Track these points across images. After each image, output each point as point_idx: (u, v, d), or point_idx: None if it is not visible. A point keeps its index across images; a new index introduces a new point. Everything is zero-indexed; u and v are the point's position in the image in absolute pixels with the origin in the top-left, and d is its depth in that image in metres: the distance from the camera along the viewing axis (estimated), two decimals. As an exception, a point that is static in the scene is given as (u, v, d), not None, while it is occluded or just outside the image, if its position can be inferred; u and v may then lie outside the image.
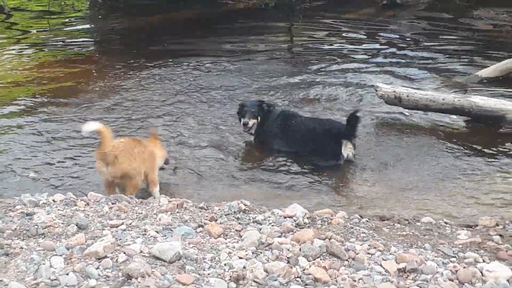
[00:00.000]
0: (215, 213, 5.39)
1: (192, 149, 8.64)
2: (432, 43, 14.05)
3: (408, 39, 14.63)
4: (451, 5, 17.72)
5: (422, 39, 14.52)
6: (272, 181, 7.79)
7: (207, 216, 5.28)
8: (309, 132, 8.51)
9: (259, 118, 8.83)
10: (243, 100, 9.56)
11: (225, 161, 8.37)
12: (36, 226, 4.77)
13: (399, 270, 4.39)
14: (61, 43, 15.31)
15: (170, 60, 13.20)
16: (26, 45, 15.00)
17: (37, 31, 16.61)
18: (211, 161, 8.35)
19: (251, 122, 8.77)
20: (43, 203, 5.59)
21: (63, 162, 8.18)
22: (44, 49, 14.59)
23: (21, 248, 4.37)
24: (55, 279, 3.84)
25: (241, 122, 8.82)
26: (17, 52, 14.27)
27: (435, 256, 4.70)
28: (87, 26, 17.99)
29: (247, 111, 8.79)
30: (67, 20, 18.33)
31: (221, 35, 15.58)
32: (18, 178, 7.69)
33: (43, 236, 4.66)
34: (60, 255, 4.20)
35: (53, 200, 5.71)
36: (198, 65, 12.79)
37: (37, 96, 10.90)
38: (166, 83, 11.64)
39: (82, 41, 15.81)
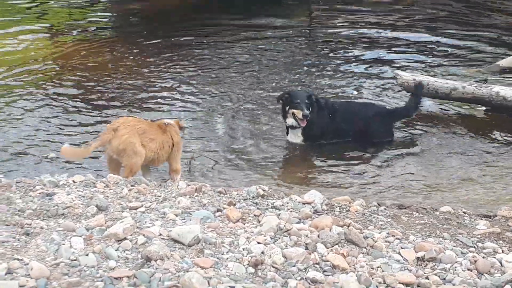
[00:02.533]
0: (234, 198, 5.39)
1: (209, 136, 8.64)
2: (454, 30, 13.88)
3: (429, 26, 14.47)
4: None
5: (443, 26, 14.35)
6: (290, 168, 7.80)
7: (225, 201, 5.29)
8: (362, 117, 8.56)
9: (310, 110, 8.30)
10: (290, 90, 9.05)
11: (242, 148, 8.37)
12: (56, 207, 4.80)
13: (417, 258, 4.38)
14: (81, 26, 15.31)
15: (186, 45, 13.16)
16: (45, 28, 15.02)
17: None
18: (228, 148, 8.36)
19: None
20: (63, 184, 5.62)
21: (82, 143, 8.21)
22: (64, 32, 14.60)
23: (42, 228, 4.40)
24: (75, 260, 3.86)
25: (301, 114, 8.10)
26: (37, 35, 14.28)
27: (454, 246, 4.68)
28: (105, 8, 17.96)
29: (301, 102, 8.17)
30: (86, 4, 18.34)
31: (239, 18, 15.50)
32: (38, 159, 7.75)
33: (63, 217, 4.69)
34: (80, 236, 4.22)
35: (73, 181, 5.73)
36: (215, 51, 12.74)
37: (56, 79, 10.93)
38: (182, 69, 11.61)
39: (102, 22, 15.83)
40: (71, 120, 9.06)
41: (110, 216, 4.68)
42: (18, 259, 3.77)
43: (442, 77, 10.13)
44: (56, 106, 9.57)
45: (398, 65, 11.50)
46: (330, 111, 8.56)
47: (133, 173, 6.68)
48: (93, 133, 8.49)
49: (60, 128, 8.78)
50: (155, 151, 6.89)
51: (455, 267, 4.25)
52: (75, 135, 8.57)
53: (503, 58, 11.33)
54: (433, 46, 12.89)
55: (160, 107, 9.66)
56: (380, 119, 8.58)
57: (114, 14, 17.02)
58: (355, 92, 10.31)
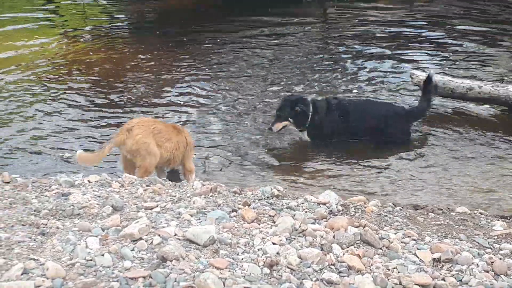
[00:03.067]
0: (248, 198, 5.38)
1: (223, 136, 8.64)
2: (470, 29, 13.83)
3: (445, 24, 14.42)
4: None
5: (460, 25, 14.30)
6: (304, 168, 7.78)
7: (240, 201, 5.28)
8: (380, 117, 8.56)
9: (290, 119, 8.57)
10: (282, 98, 9.19)
11: (256, 148, 8.36)
12: (72, 207, 4.81)
13: (433, 260, 4.35)
14: (98, 26, 15.38)
15: (202, 45, 13.20)
16: (62, 28, 15.11)
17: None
18: (242, 148, 8.36)
19: (277, 126, 8.55)
20: (79, 183, 5.63)
21: (99, 143, 8.26)
22: (82, 33, 14.67)
23: (57, 228, 4.41)
24: (91, 260, 3.86)
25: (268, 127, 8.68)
26: (52, 29, 14.37)
27: (470, 247, 4.65)
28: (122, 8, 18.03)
29: (277, 112, 8.63)
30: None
31: (255, 20, 15.50)
32: (54, 158, 7.79)
33: (79, 217, 4.70)
34: (96, 236, 4.22)
35: (88, 181, 5.75)
36: (230, 49, 12.79)
37: (71, 78, 11.00)
38: (197, 68, 11.66)
39: (118, 24, 15.89)
40: (87, 120, 9.11)
41: (125, 216, 4.68)
42: (34, 259, 3.78)
43: (458, 77, 10.07)
44: (72, 106, 9.64)
45: (413, 64, 11.46)
46: (343, 111, 8.59)
47: (147, 173, 6.70)
48: (109, 132, 8.54)
49: (76, 128, 8.83)
50: (171, 151, 6.90)
51: (472, 269, 4.21)
52: (91, 135, 8.61)
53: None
54: (450, 44, 12.86)
55: (175, 107, 9.67)
56: (399, 119, 8.56)
57: (130, 12, 17.06)
58: (355, 90, 10.30)
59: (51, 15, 16.67)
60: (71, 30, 14.85)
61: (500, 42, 12.73)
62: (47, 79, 10.85)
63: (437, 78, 9.36)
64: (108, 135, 8.44)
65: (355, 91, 10.34)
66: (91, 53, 12.53)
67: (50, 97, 9.99)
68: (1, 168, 7.38)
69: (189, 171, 7.22)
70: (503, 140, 8.42)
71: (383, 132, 8.51)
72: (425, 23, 14.76)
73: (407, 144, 8.44)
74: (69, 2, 18.27)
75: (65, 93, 10.18)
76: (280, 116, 8.56)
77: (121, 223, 4.52)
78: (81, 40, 13.71)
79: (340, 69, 11.43)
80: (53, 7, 17.79)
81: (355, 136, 8.58)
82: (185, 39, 13.58)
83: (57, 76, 11.02)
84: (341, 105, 8.66)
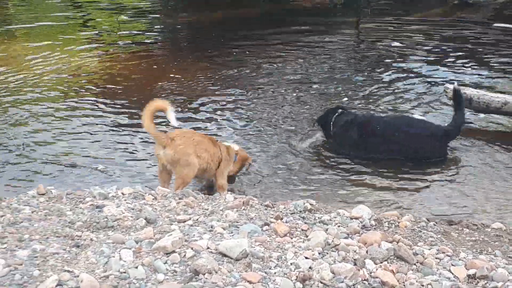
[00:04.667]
0: (281, 212, 5.37)
1: (256, 149, 8.65)
2: (502, 46, 13.69)
3: (478, 40, 14.31)
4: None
5: (492, 41, 14.17)
6: (336, 182, 7.74)
7: (272, 215, 5.27)
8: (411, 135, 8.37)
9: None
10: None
11: (287, 163, 8.34)
12: (105, 219, 4.85)
13: (468, 276, 4.30)
14: (130, 36, 15.56)
15: (232, 58, 13.27)
16: (96, 40, 15.32)
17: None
18: (274, 161, 8.36)
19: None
20: (112, 196, 5.68)
21: (131, 155, 8.34)
22: (112, 43, 14.85)
23: (91, 240, 4.45)
24: (124, 272, 3.89)
25: None
26: (87, 44, 14.58)
27: (506, 264, 4.58)
28: (153, 21, 18.21)
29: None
30: (135, 14, 18.60)
31: (287, 32, 15.55)
32: (88, 170, 7.87)
33: (112, 229, 4.74)
34: (129, 248, 4.25)
35: (122, 193, 5.80)
36: (260, 63, 12.81)
37: (105, 91, 11.12)
38: (228, 81, 11.71)
39: (151, 34, 16.05)
40: (120, 133, 9.16)
41: (158, 229, 4.71)
42: (68, 271, 3.82)
43: (493, 91, 9.97)
44: (106, 118, 9.71)
45: (447, 79, 11.37)
46: (360, 125, 8.55)
47: (185, 184, 6.78)
48: (141, 143, 8.65)
49: (110, 140, 8.89)
50: (207, 162, 6.99)
51: (507, 286, 4.14)
52: (124, 147, 8.67)
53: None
54: (484, 58, 12.71)
55: (206, 121, 9.70)
56: (436, 139, 8.34)
57: (163, 25, 17.24)
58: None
59: (84, 28, 16.91)
60: (103, 41, 15.03)
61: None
62: (79, 94, 10.96)
63: (472, 91, 9.29)
64: (141, 145, 8.57)
65: (386, 105, 10.26)
66: (122, 68, 12.65)
67: (83, 109, 10.10)
68: (36, 180, 7.49)
69: (221, 187, 7.25)
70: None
71: (418, 152, 8.34)
72: (459, 37, 14.64)
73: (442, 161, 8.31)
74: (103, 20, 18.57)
75: (96, 106, 10.28)
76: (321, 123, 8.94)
77: (154, 235, 4.55)
78: (114, 52, 13.85)
79: (370, 85, 11.36)
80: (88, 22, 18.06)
81: (385, 154, 8.41)
82: (219, 55, 13.64)
83: (88, 92, 11.13)
84: (358, 119, 8.64)
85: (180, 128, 7.67)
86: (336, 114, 8.76)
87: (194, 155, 6.80)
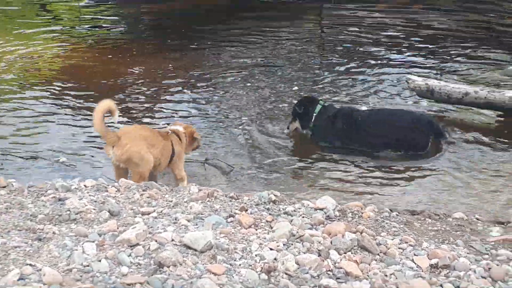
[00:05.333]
0: (245, 203, 5.36)
1: (222, 140, 8.63)
2: (467, 34, 13.84)
3: (442, 29, 14.43)
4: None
5: (457, 29, 14.31)
6: (302, 173, 7.78)
7: (237, 206, 5.26)
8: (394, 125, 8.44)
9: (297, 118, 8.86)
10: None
11: (254, 153, 8.35)
12: (68, 212, 4.79)
13: (431, 266, 4.34)
14: (90, 29, 15.36)
15: (194, 48, 13.21)
16: (56, 30, 15.10)
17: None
18: (240, 151, 8.36)
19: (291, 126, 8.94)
20: (75, 188, 5.61)
21: (94, 147, 8.26)
22: (74, 34, 14.65)
23: (54, 233, 4.39)
24: (88, 265, 3.85)
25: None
26: (47, 36, 14.35)
27: (467, 253, 4.65)
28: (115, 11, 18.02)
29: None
30: (97, 4, 18.37)
31: (249, 19, 15.52)
32: (49, 163, 7.78)
33: (75, 222, 4.68)
34: (93, 242, 4.21)
35: (85, 186, 5.73)
36: (222, 52, 12.77)
37: (66, 83, 10.96)
38: (192, 72, 11.66)
39: (111, 25, 15.87)
40: (82, 125, 9.07)
41: (122, 222, 4.67)
42: (30, 265, 3.77)
43: (454, 82, 10.08)
44: (67, 111, 9.60)
45: (409, 69, 11.46)
46: (335, 116, 8.62)
47: (142, 179, 6.67)
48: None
49: (71, 133, 8.80)
50: (157, 157, 6.91)
51: (469, 275, 4.20)
52: (86, 139, 8.58)
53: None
54: (446, 49, 12.83)
55: (171, 114, 9.64)
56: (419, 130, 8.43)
57: (124, 17, 17.06)
58: (352, 96, 10.34)
59: (45, 17, 16.63)
60: (65, 33, 14.80)
61: (496, 49, 12.72)
62: (39, 83, 10.82)
63: (434, 82, 9.38)
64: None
65: (354, 96, 10.31)
66: (83, 58, 12.50)
67: (42, 102, 9.96)
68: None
69: (180, 179, 7.22)
70: (497, 144, 8.41)
71: (401, 143, 8.39)
72: (422, 28, 14.73)
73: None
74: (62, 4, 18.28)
75: (57, 97, 10.15)
76: (292, 116, 8.91)
77: (118, 228, 4.51)
78: (76, 44, 13.67)
79: (337, 75, 11.40)
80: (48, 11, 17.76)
81: (367, 146, 8.48)
82: (179, 42, 13.55)
83: (48, 81, 10.98)
84: (348, 113, 8.66)
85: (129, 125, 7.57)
86: (320, 106, 8.75)
87: (146, 149, 6.73)
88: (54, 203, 5.08)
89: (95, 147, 8.28)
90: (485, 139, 8.59)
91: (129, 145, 6.63)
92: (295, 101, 9.11)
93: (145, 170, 6.75)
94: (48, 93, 10.35)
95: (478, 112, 9.36)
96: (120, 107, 9.51)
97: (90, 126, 8.89)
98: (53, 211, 4.82)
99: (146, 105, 9.93)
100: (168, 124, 8.35)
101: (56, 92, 10.40)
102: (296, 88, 10.69)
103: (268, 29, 14.74)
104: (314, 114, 8.66)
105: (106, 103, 6.58)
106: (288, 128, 8.93)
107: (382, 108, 9.53)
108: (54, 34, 14.47)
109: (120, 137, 6.62)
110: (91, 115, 9.22)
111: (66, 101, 9.97)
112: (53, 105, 9.79)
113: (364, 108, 9.25)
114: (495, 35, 13.84)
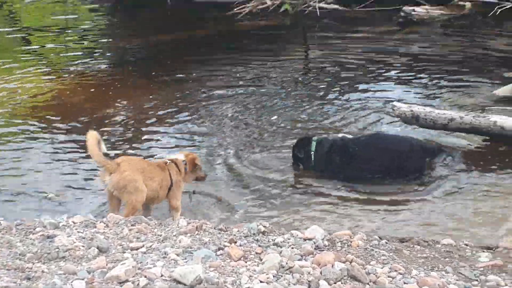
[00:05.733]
0: (235, 235, 5.37)
1: (208, 171, 8.62)
2: (448, 61, 13.97)
3: (423, 57, 14.56)
4: (467, 22, 17.68)
5: (438, 57, 14.43)
6: (290, 202, 7.78)
7: (226, 238, 5.27)
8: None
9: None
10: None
11: (240, 183, 8.36)
12: (57, 249, 4.78)
13: (421, 293, 4.36)
14: (76, 59, 15.39)
15: (178, 79, 13.23)
16: (40, 61, 15.11)
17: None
18: (227, 182, 8.36)
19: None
20: (63, 225, 5.60)
21: (82, 183, 8.25)
22: (58, 65, 14.66)
23: (43, 271, 4.37)
24: (77, 304, 3.84)
25: None
26: (32, 68, 14.36)
27: (456, 280, 4.66)
28: (101, 42, 18.08)
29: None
30: (81, 36, 18.43)
31: (236, 52, 15.60)
32: (37, 199, 7.75)
33: (64, 259, 4.67)
34: (82, 279, 4.19)
35: (73, 222, 5.72)
36: (208, 86, 12.77)
37: (53, 116, 10.95)
38: (176, 103, 11.65)
39: (96, 58, 15.91)
40: (70, 159, 9.07)
41: (111, 258, 4.65)
42: (20, 305, 3.76)
43: (439, 108, 10.16)
44: (52, 145, 9.58)
45: (395, 96, 11.53)
46: (330, 150, 8.65)
47: (134, 210, 6.70)
48: (89, 169, 8.56)
49: (56, 167, 8.78)
50: (154, 190, 6.92)
51: (459, 302, 4.23)
52: (74, 173, 8.57)
53: (499, 87, 11.37)
54: (430, 75, 12.93)
55: (155, 146, 9.64)
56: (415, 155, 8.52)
57: (111, 50, 17.12)
58: (338, 123, 10.35)
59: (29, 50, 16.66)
60: (51, 67, 14.80)
61: (479, 75, 12.83)
62: (24, 117, 10.81)
63: (419, 109, 9.44)
64: (90, 172, 8.48)
65: (338, 124, 10.36)
66: (68, 92, 12.49)
67: (27, 137, 9.94)
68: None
69: (175, 209, 7.23)
70: (484, 169, 8.46)
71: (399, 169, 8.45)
72: (406, 55, 14.87)
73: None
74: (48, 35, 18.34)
75: (42, 132, 10.14)
76: (294, 161, 8.89)
77: (107, 265, 4.49)
78: (62, 77, 13.67)
79: (321, 102, 11.45)
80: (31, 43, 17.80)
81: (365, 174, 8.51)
82: (166, 78, 13.57)
83: (33, 115, 10.98)
84: (342, 145, 8.72)
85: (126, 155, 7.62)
86: (314, 143, 8.76)
87: (141, 181, 6.75)
88: (43, 240, 5.07)
89: (83, 182, 8.26)
90: (472, 163, 8.63)
91: (127, 172, 6.66)
92: (293, 145, 8.98)
93: (138, 200, 6.76)
94: (33, 127, 10.33)
95: (465, 137, 9.41)
96: (105, 140, 9.62)
97: (75, 160, 8.96)
98: (42, 249, 4.81)
99: (130, 137, 9.93)
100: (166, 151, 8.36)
101: (41, 126, 10.38)
102: (275, 117, 10.72)
103: (252, 57, 14.83)
104: (312, 153, 8.67)
105: (94, 133, 6.64)
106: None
107: (374, 134, 9.56)
108: (38, 67, 14.45)
109: (119, 164, 6.66)
110: (77, 149, 9.35)
111: (51, 136, 9.95)
112: (38, 140, 9.77)
113: (350, 137, 9.24)
114: (479, 60, 13.98)
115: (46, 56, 16.06)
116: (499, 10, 16.30)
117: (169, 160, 7.35)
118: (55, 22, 20.17)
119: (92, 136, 6.58)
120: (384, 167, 8.44)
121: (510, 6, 16.30)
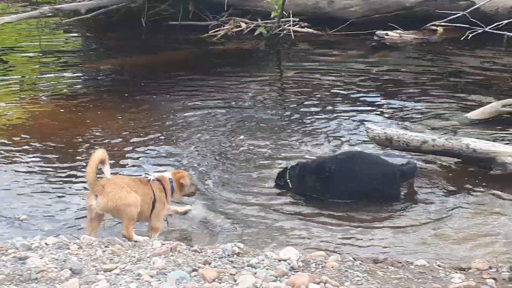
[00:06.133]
0: (209, 256, 5.37)
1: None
2: (420, 85, 14.14)
3: (396, 80, 14.72)
4: (439, 47, 17.95)
5: (410, 81, 14.61)
6: (264, 223, 7.77)
7: (200, 260, 5.26)
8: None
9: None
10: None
11: (213, 203, 8.34)
12: (29, 271, 4.73)
13: (394, 315, 4.38)
14: (50, 80, 15.30)
15: (152, 105, 13.19)
16: (17, 83, 15.01)
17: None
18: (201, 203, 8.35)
19: None
20: (36, 246, 5.55)
21: (54, 204, 8.17)
22: (29, 88, 14.57)
23: (15, 293, 4.34)
24: (50, 326, 3.81)
25: None
26: (7, 89, 14.27)
27: (430, 301, 4.70)
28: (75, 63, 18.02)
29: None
30: (57, 59, 18.34)
31: (210, 74, 15.64)
32: (9, 221, 7.66)
33: (36, 281, 4.63)
34: (54, 301, 4.17)
35: (46, 243, 5.67)
36: (183, 106, 12.78)
37: (27, 137, 10.85)
38: (151, 127, 11.60)
39: (74, 80, 15.84)
40: (44, 180, 8.98)
41: (84, 280, 4.63)
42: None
43: (412, 130, 10.26)
44: (23, 167, 9.47)
45: (368, 118, 11.63)
46: (302, 174, 8.67)
47: (132, 221, 6.72)
48: (64, 190, 8.50)
49: (31, 189, 8.69)
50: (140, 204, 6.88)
51: (432, 323, 4.25)
52: (47, 193, 8.50)
53: (471, 110, 11.54)
54: (403, 98, 13.06)
55: (134, 168, 9.60)
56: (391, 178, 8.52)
57: (86, 71, 17.05)
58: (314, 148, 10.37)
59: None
60: (20, 87, 14.70)
61: (451, 98, 13.00)
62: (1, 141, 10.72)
63: (392, 131, 9.53)
64: (64, 193, 8.42)
65: (310, 144, 10.39)
66: (41, 112, 12.39)
67: (3, 159, 9.85)
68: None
69: (154, 229, 7.14)
70: (456, 190, 8.55)
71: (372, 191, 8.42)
72: (378, 79, 15.02)
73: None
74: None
75: (12, 154, 10.00)
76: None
77: (80, 286, 4.47)
78: (35, 98, 13.59)
79: (294, 127, 11.48)
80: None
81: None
82: (140, 99, 13.53)
83: (5, 135, 10.89)
84: (312, 168, 8.73)
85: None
86: (288, 170, 8.77)
87: (127, 195, 6.70)
88: (15, 262, 5.02)
89: (56, 204, 8.19)
90: (445, 185, 8.72)
91: (113, 192, 6.63)
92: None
93: (133, 212, 6.72)
94: (8, 148, 10.22)
95: (438, 159, 9.52)
96: (78, 161, 9.59)
97: (48, 182, 8.88)
98: (14, 271, 4.76)
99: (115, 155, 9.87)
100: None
101: (12, 149, 10.26)
102: (242, 137, 10.77)
103: (226, 78, 14.90)
104: (288, 181, 8.70)
105: (99, 152, 6.70)
106: None
107: (351, 153, 9.56)
108: (12, 88, 14.35)
109: (103, 186, 6.64)
110: (49, 171, 9.28)
111: (22, 158, 9.81)
112: (8, 163, 9.66)
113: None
114: (451, 84, 14.18)
115: (20, 76, 15.93)
116: (470, 35, 16.57)
117: (154, 178, 7.30)
118: (30, 42, 20.07)
119: (95, 156, 6.64)
120: (360, 188, 8.45)
121: (481, 31, 16.58)
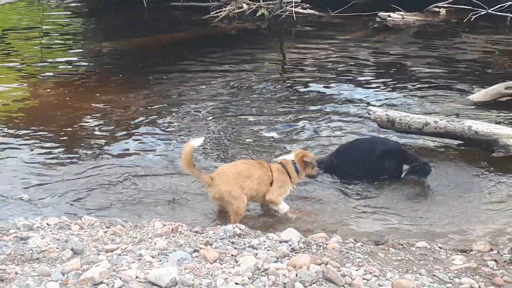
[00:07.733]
0: (210, 237, 5.37)
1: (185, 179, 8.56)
2: (423, 67, 14.11)
3: (399, 62, 14.68)
4: (442, 29, 17.89)
5: (412, 63, 14.57)
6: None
7: (202, 241, 5.26)
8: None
9: None
10: None
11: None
12: (30, 251, 4.74)
13: (395, 296, 4.39)
14: (51, 62, 15.27)
15: (154, 84, 13.16)
16: (19, 66, 14.98)
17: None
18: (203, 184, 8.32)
19: None
20: (37, 227, 5.56)
21: (57, 183, 8.16)
22: (33, 71, 14.53)
23: (16, 273, 4.34)
24: (51, 305, 3.82)
25: None
26: (9, 72, 14.23)
27: (431, 282, 4.71)
28: (77, 44, 17.96)
29: None
30: (58, 41, 18.28)
31: (212, 55, 15.60)
32: (11, 201, 7.66)
33: (38, 261, 4.63)
34: (56, 281, 4.17)
35: (47, 224, 5.68)
36: (183, 89, 12.74)
37: (31, 119, 10.85)
38: (153, 107, 11.58)
39: (75, 61, 15.79)
40: (47, 162, 8.95)
41: (85, 260, 4.63)
42: (-8, 307, 3.72)
43: (414, 112, 10.23)
44: (28, 148, 9.46)
45: (370, 100, 11.61)
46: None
47: (238, 216, 6.88)
48: (68, 172, 8.49)
49: (36, 169, 8.68)
50: (252, 188, 7.03)
51: (433, 304, 4.26)
52: (50, 177, 8.48)
53: (474, 92, 11.52)
54: (405, 81, 13.03)
55: (138, 150, 9.56)
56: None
57: (87, 53, 16.99)
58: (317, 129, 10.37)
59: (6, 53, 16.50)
60: (28, 71, 14.66)
61: (455, 79, 12.98)
62: (3, 122, 10.69)
63: (394, 113, 9.50)
64: (66, 175, 8.41)
65: (314, 129, 10.37)
66: (43, 95, 12.37)
67: (5, 139, 9.82)
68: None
69: (268, 201, 7.25)
70: (457, 173, 8.53)
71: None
72: (381, 61, 14.98)
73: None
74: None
75: (17, 136, 9.99)
76: None
77: (81, 266, 4.47)
78: (40, 81, 13.54)
79: (296, 109, 11.44)
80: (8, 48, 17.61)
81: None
82: (141, 81, 13.49)
83: (8, 119, 10.86)
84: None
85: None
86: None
87: (236, 188, 6.87)
88: (16, 242, 5.03)
89: (58, 184, 8.18)
90: (447, 167, 8.70)
91: (221, 185, 6.83)
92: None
93: (240, 206, 6.89)
94: (10, 130, 10.21)
95: (439, 141, 9.50)
96: (82, 142, 9.58)
97: (51, 163, 8.86)
98: (15, 251, 4.77)
99: (105, 141, 9.84)
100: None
101: (17, 130, 10.24)
102: (244, 118, 10.81)
103: (228, 60, 14.86)
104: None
105: (189, 145, 6.80)
106: None
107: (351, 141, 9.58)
108: (13, 71, 14.31)
109: (213, 178, 6.87)
110: (52, 152, 9.26)
111: (27, 139, 9.79)
112: (14, 144, 9.64)
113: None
114: (454, 66, 14.15)
115: (21, 58, 15.88)
116: (474, 16, 16.50)
117: (278, 162, 7.52)
118: (31, 24, 20.02)
119: (186, 150, 6.80)
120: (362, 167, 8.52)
121: (484, 12, 16.51)
